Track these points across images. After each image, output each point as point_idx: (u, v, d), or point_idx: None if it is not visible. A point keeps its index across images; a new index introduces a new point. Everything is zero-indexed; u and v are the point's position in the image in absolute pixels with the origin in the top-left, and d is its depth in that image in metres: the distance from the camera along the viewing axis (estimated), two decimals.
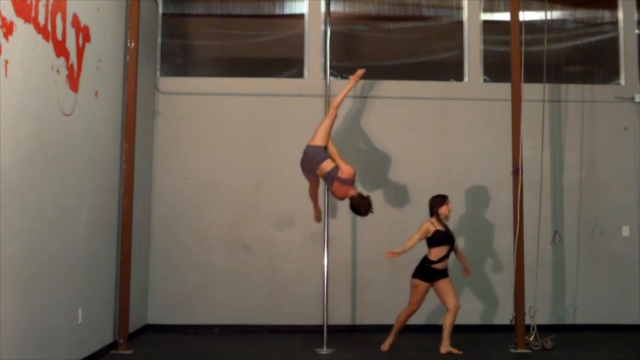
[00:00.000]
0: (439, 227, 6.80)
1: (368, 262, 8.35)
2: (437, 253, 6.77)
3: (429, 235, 6.78)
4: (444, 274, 6.81)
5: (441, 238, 6.77)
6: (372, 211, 6.49)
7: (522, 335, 7.01)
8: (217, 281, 8.27)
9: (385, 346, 6.96)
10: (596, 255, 8.55)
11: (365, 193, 6.61)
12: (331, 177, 6.44)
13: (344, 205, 8.18)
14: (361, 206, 6.44)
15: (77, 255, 5.87)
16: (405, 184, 8.43)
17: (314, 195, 7.01)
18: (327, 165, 6.50)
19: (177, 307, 8.22)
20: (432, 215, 6.88)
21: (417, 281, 6.79)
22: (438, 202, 6.88)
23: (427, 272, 6.77)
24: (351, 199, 6.46)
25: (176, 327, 8.11)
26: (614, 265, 8.53)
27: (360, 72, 7.13)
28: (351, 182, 6.45)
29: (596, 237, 8.56)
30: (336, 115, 6.75)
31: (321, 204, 7.15)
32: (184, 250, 8.27)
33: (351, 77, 7.10)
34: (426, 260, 6.80)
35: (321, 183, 6.93)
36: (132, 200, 7.01)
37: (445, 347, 6.79)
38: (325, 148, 6.66)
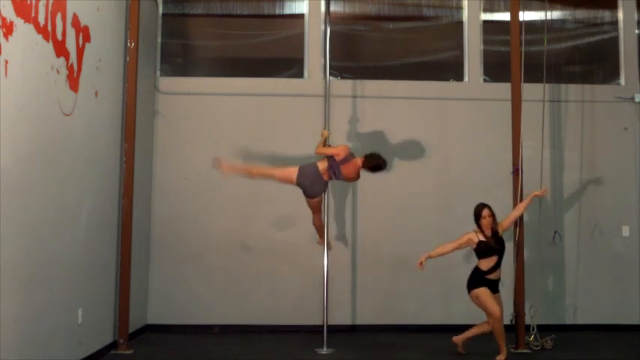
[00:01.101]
0: (482, 238, 6.58)
1: (368, 262, 8.35)
2: (485, 264, 6.56)
3: (474, 245, 6.60)
4: (496, 287, 6.59)
5: (483, 249, 6.56)
6: (386, 162, 6.71)
7: (522, 335, 7.02)
8: (217, 281, 8.26)
9: (502, 357, 6.51)
10: (596, 255, 8.54)
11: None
12: (334, 166, 6.54)
13: (344, 206, 8.23)
14: (374, 164, 6.63)
15: (77, 255, 5.87)
16: (405, 184, 8.43)
17: (319, 225, 7.07)
18: (322, 163, 6.66)
19: (177, 307, 8.21)
20: (477, 224, 6.67)
21: (476, 290, 6.52)
22: (476, 213, 6.67)
23: (481, 281, 6.53)
24: (363, 165, 6.64)
25: (176, 327, 8.10)
26: (614, 265, 8.52)
27: None
28: (351, 156, 6.65)
29: (596, 237, 8.56)
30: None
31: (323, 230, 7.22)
32: (184, 250, 8.26)
33: None
34: (477, 270, 6.61)
35: (322, 205, 6.97)
36: (132, 200, 7.01)
37: (458, 340, 6.76)
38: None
